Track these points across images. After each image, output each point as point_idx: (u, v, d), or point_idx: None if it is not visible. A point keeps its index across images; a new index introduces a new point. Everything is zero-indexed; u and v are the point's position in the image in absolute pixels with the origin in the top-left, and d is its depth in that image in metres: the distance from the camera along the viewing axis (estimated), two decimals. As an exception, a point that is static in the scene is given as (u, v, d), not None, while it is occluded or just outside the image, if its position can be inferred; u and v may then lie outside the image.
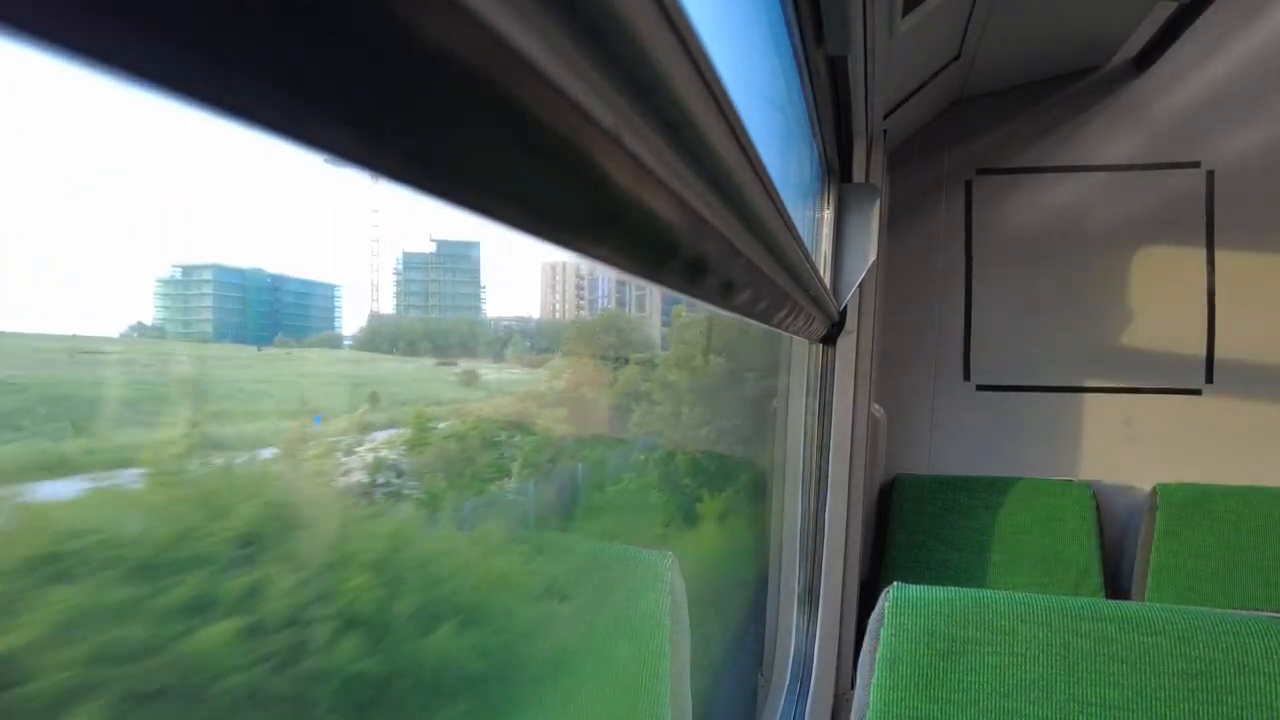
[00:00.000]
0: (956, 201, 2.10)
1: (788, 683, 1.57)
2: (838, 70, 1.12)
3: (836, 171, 1.47)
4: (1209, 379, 1.97)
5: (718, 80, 0.29)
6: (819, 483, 1.56)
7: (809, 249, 0.76)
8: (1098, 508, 1.91)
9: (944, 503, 1.99)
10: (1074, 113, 2.04)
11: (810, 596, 1.58)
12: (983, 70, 1.91)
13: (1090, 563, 1.87)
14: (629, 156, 0.25)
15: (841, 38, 0.99)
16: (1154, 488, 1.88)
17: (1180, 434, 1.98)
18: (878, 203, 1.41)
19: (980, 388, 2.10)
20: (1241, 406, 1.95)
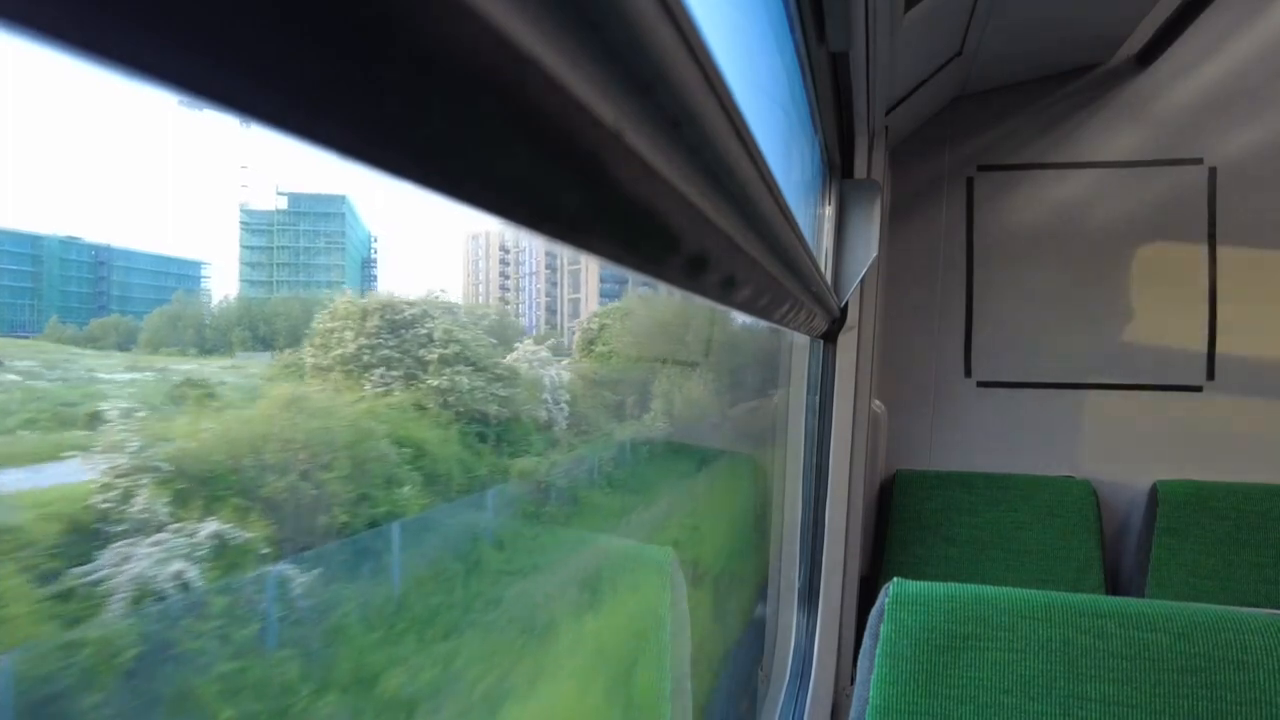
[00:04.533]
0: (958, 198, 2.09)
1: (788, 678, 1.57)
2: (839, 66, 1.12)
3: (838, 167, 1.47)
4: (1210, 376, 1.97)
5: (719, 76, 0.29)
6: (820, 478, 1.56)
7: (810, 245, 0.76)
8: (1098, 504, 1.91)
9: (944, 499, 1.99)
10: (1076, 109, 2.03)
11: (810, 592, 1.58)
12: (985, 66, 1.90)
13: (1090, 559, 1.87)
14: (630, 152, 0.25)
15: (844, 33, 0.99)
16: (1154, 484, 1.88)
17: (1181, 431, 1.98)
18: (879, 199, 1.41)
19: (981, 384, 2.09)
20: (1242, 404, 1.95)
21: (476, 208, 0.21)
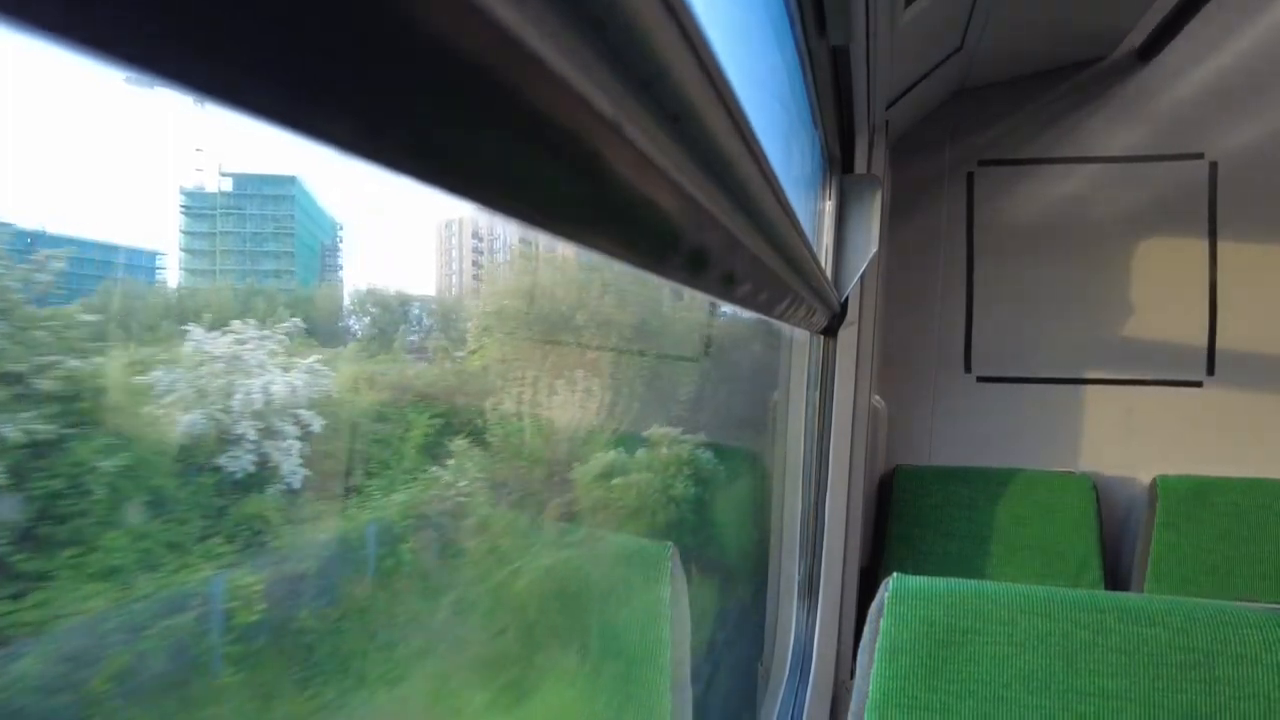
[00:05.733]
0: (959, 193, 2.09)
1: (788, 672, 1.57)
2: (840, 61, 1.12)
3: (838, 163, 1.47)
4: (1210, 371, 1.97)
5: (719, 71, 0.29)
6: (820, 474, 1.57)
7: (810, 241, 0.76)
8: (1098, 499, 1.92)
9: (944, 494, 1.99)
10: (1077, 104, 2.03)
11: (810, 587, 1.58)
12: (985, 61, 1.90)
13: (1090, 554, 1.88)
14: (630, 148, 0.25)
15: (844, 28, 0.99)
16: (1154, 479, 1.88)
17: (1181, 426, 1.98)
18: (879, 194, 1.41)
19: (981, 379, 2.10)
20: (1242, 399, 1.95)
21: (474, 202, 0.21)
